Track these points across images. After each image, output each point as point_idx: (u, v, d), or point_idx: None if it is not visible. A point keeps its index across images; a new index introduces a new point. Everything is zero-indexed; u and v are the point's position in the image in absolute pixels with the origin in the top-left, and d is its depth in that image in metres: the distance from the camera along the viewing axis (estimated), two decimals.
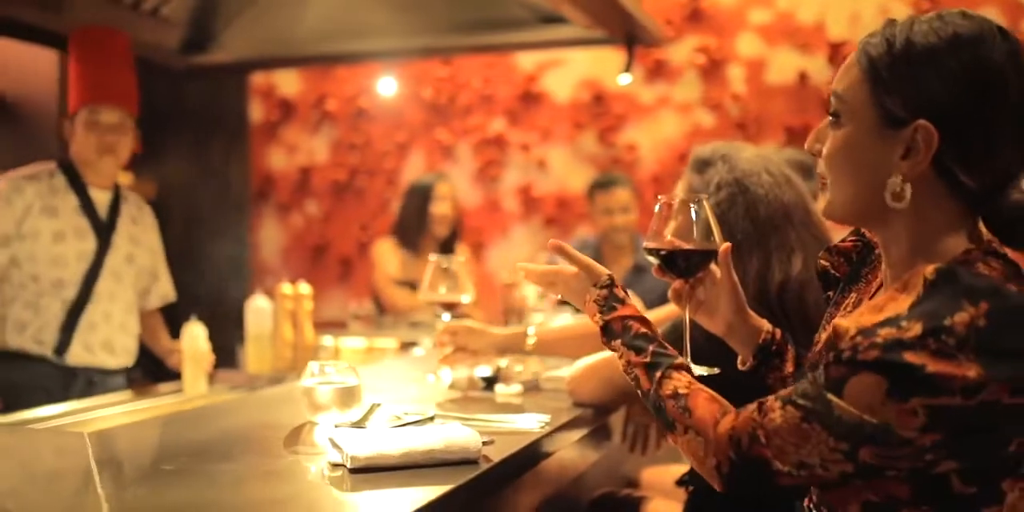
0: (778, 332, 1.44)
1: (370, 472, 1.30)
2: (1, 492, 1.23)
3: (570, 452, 1.90)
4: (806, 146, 1.17)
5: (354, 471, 1.29)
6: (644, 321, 1.26)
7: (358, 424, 1.60)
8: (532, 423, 1.64)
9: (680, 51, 4.16)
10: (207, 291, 4.08)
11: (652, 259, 1.40)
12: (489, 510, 1.50)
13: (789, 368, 1.42)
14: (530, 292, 3.08)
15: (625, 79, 3.43)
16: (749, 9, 4.11)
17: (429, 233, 3.84)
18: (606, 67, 3.63)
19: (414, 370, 2.27)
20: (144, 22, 3.29)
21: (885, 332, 0.97)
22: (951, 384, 0.93)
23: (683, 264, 1.39)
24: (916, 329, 0.95)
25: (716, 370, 1.50)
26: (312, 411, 1.61)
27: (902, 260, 1.13)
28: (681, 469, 2.11)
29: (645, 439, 2.19)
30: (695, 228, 1.39)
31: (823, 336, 1.13)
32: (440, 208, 3.87)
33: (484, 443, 1.41)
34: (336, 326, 3.75)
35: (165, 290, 2.95)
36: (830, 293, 1.36)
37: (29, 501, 1.19)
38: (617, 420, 2.15)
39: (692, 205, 1.40)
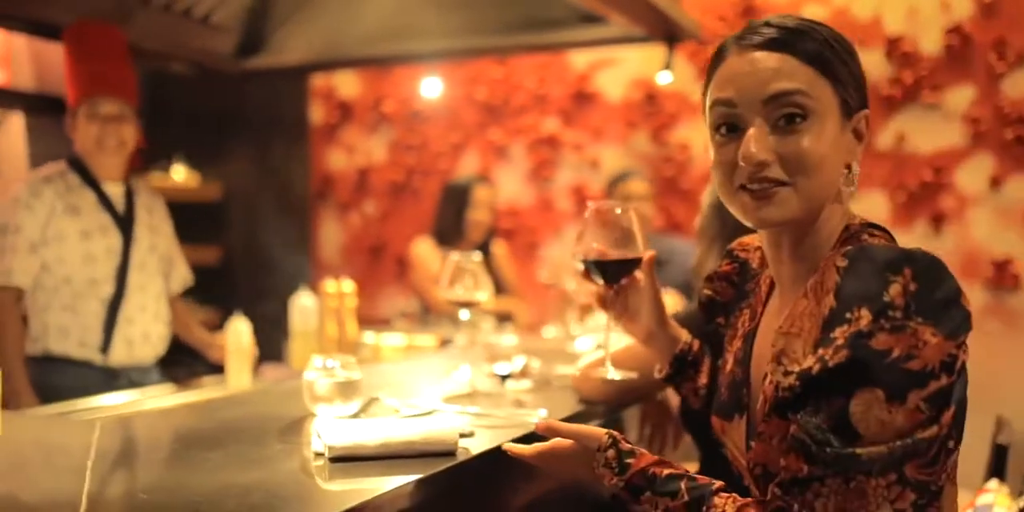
0: (696, 343, 1.49)
1: (349, 461, 1.34)
2: None
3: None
4: (756, 158, 1.10)
5: (333, 460, 1.34)
6: (662, 463, 1.18)
7: (353, 416, 1.65)
8: (527, 418, 1.66)
9: None
10: (268, 288, 4.19)
11: (578, 265, 1.44)
12: (474, 503, 1.53)
13: (703, 380, 1.47)
14: (573, 292, 3.09)
15: (665, 77, 3.42)
16: (804, 5, 4.05)
17: (466, 236, 3.86)
18: (658, 66, 3.61)
19: (442, 366, 2.30)
20: (198, 29, 3.41)
21: (840, 331, 0.99)
22: (919, 355, 0.96)
23: (608, 271, 1.43)
24: (866, 316, 0.98)
25: (634, 375, 1.54)
26: (312, 403, 1.65)
27: (802, 249, 1.17)
28: (693, 468, 2.10)
29: (663, 438, 2.19)
30: (621, 236, 1.42)
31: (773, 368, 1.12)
32: (477, 214, 3.88)
33: (462, 435, 1.44)
34: (383, 323, 3.83)
35: (183, 274, 3.01)
36: (719, 320, 1.38)
37: (15, 483, 1.26)
38: (633, 419, 2.15)
39: (620, 213, 1.44)
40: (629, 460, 1.17)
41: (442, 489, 1.32)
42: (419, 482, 1.26)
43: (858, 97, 1.15)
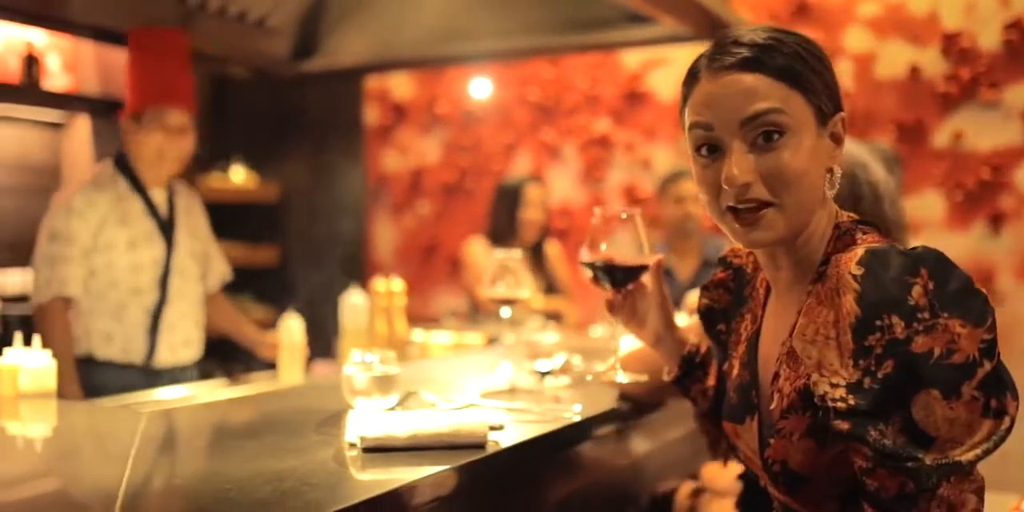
0: (703, 346, 1.50)
1: (381, 452, 1.38)
2: (45, 459, 1.36)
3: (612, 445, 1.93)
4: (739, 181, 1.12)
5: (366, 450, 1.38)
6: None
7: (391, 410, 1.69)
8: (561, 413, 1.69)
9: None
10: (324, 287, 4.27)
11: (587, 271, 1.46)
12: (507, 497, 1.56)
13: (711, 381, 1.48)
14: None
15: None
16: (858, 2, 4.00)
17: (519, 236, 3.89)
18: None
19: (485, 363, 2.33)
20: (254, 33, 3.49)
21: (874, 339, 1.02)
22: (958, 348, 0.99)
23: (617, 276, 1.45)
24: (898, 322, 1.00)
25: (643, 378, 1.56)
26: (351, 397, 1.70)
27: (793, 254, 1.19)
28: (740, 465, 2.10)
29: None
30: (628, 242, 1.43)
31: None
32: (529, 213, 3.90)
33: (492, 428, 1.47)
34: (433, 322, 3.87)
35: (221, 270, 3.02)
36: (720, 327, 1.39)
37: (65, 466, 1.32)
38: (664, 421, 2.15)
39: (627, 219, 1.45)
40: None
41: (471, 481, 1.35)
42: (446, 473, 1.29)
43: (832, 103, 1.16)
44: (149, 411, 1.68)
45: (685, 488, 2.10)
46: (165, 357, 2.75)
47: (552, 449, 1.60)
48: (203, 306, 2.92)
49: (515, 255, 2.16)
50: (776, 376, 1.16)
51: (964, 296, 1.02)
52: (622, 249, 1.47)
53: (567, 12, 3.51)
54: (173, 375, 2.79)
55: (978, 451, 1.00)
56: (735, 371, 1.31)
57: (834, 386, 1.04)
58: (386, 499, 1.18)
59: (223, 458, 1.34)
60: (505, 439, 1.47)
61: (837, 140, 1.17)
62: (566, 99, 4.67)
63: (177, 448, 1.45)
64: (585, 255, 1.48)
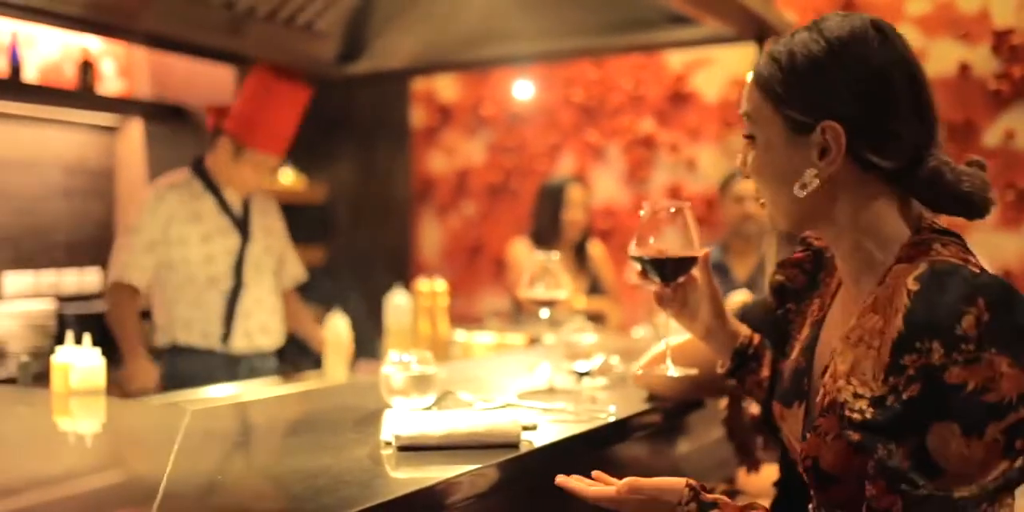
0: (756, 337, 1.49)
1: (415, 451, 1.40)
2: (91, 454, 1.41)
3: (648, 446, 1.94)
4: (740, 167, 1.23)
5: (400, 449, 1.40)
6: (748, 507, 1.21)
7: (427, 409, 1.71)
8: (596, 414, 1.70)
9: None
10: (370, 288, 4.32)
11: (636, 265, 1.46)
12: (540, 497, 1.57)
13: (765, 372, 1.47)
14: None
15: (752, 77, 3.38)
16: (907, 0, 3.95)
17: (562, 236, 3.90)
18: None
19: (525, 363, 2.35)
20: (302, 36, 3.54)
21: (909, 360, 1.00)
22: (996, 387, 0.96)
23: (666, 270, 1.45)
24: (937, 349, 0.98)
25: (694, 371, 1.55)
26: (389, 396, 1.73)
27: (853, 250, 1.18)
28: (776, 469, 2.09)
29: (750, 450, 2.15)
30: (678, 235, 1.43)
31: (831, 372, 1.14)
32: (572, 214, 3.92)
33: (526, 428, 1.48)
34: (477, 322, 3.90)
35: (295, 271, 3.24)
36: (790, 306, 1.39)
37: (110, 461, 1.36)
38: (699, 421, 2.15)
39: (676, 212, 1.45)
40: (714, 511, 1.18)
41: (504, 480, 1.37)
42: (479, 472, 1.32)
43: (817, 112, 1.13)
44: (193, 408, 1.72)
45: (719, 490, 2.10)
46: (241, 342, 2.95)
47: (586, 449, 1.61)
48: (279, 298, 3.13)
49: (554, 257, 2.18)
50: (826, 369, 1.16)
51: (1021, 336, 0.98)
52: (671, 243, 1.47)
53: (610, 13, 3.51)
54: (251, 362, 2.98)
55: (974, 489, 0.97)
56: (794, 354, 1.32)
57: (857, 396, 1.04)
58: (418, 497, 1.21)
59: (261, 455, 1.37)
60: (539, 439, 1.48)
61: (824, 149, 1.14)
62: (610, 100, 4.67)
63: (218, 445, 1.49)
64: (634, 249, 1.48)
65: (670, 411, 1.87)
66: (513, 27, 3.71)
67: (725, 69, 4.36)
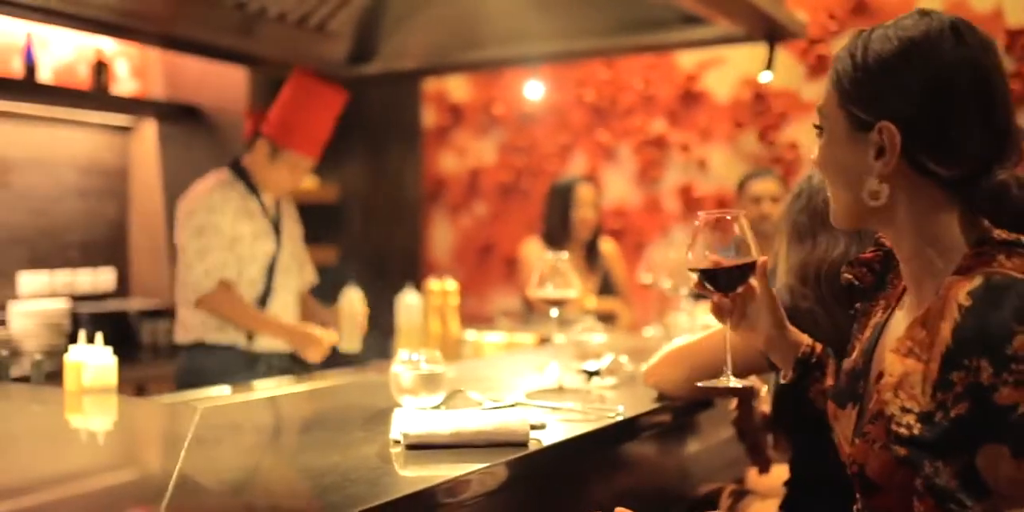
0: (818, 346, 1.46)
1: (423, 449, 1.41)
2: (102, 452, 1.42)
3: (656, 445, 1.94)
4: (813, 159, 1.24)
5: (409, 447, 1.41)
6: None
7: (436, 408, 1.72)
8: (604, 413, 1.70)
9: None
10: (382, 288, 4.33)
11: (692, 276, 1.43)
12: (550, 495, 1.58)
13: (830, 381, 1.43)
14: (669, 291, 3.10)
15: (766, 77, 3.38)
16: None
17: (573, 236, 3.91)
18: (765, 65, 3.57)
19: (534, 362, 2.35)
20: (314, 37, 3.56)
21: (958, 376, 0.99)
22: None
23: (723, 280, 1.42)
24: (986, 368, 0.97)
25: (754, 382, 1.51)
26: (398, 394, 1.74)
27: (914, 255, 1.17)
28: (787, 469, 2.09)
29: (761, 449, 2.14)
30: (734, 244, 1.40)
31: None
32: (582, 213, 3.93)
33: (534, 427, 1.49)
34: (488, 321, 3.91)
35: (311, 276, 3.30)
36: (857, 305, 1.37)
37: (121, 460, 1.37)
38: (709, 422, 2.15)
39: (730, 220, 1.43)
40: None
41: (512, 478, 1.37)
42: (487, 470, 1.32)
43: (872, 111, 1.13)
44: (204, 406, 1.73)
45: (728, 489, 2.10)
46: (265, 342, 3.00)
47: (594, 448, 1.62)
48: (298, 301, 3.19)
49: (563, 256, 2.18)
50: (881, 375, 1.14)
51: None
52: (727, 252, 1.44)
53: (620, 13, 3.51)
54: (270, 360, 3.01)
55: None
56: (854, 354, 1.30)
57: (905, 411, 1.03)
58: (426, 495, 1.21)
59: (270, 452, 1.38)
60: (547, 438, 1.49)
61: (879, 151, 1.13)
62: (621, 100, 4.67)
63: (227, 443, 1.50)
64: (689, 260, 1.45)
65: (679, 410, 1.87)
66: (525, 27, 3.71)
67: (736, 69, 4.35)
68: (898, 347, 1.08)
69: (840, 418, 1.27)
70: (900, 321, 1.23)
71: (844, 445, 1.25)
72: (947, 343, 0.99)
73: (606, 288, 3.98)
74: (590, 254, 3.98)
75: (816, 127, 1.22)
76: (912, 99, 1.10)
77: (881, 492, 1.11)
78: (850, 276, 1.37)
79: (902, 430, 1.03)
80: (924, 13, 1.15)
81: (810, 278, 1.70)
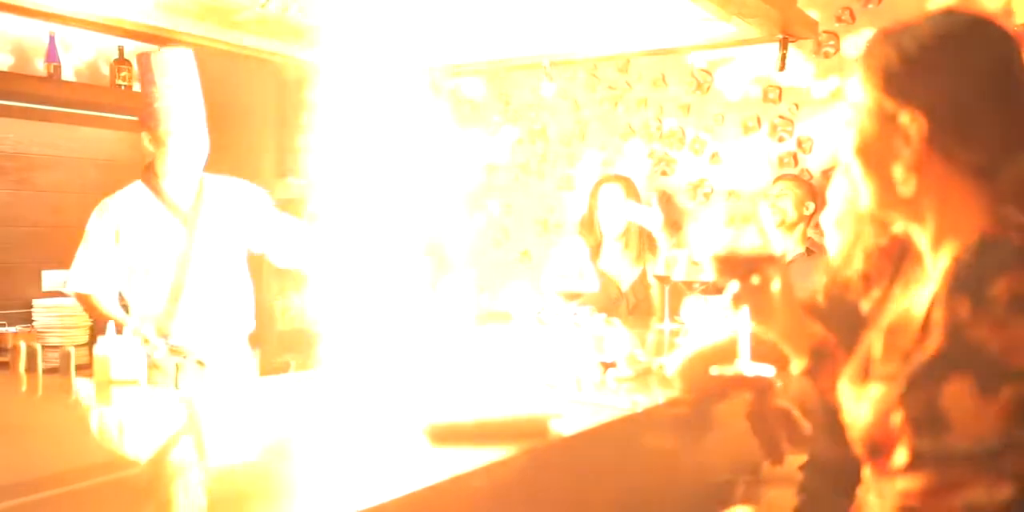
0: (832, 337, 1.48)
1: (446, 438, 1.45)
2: (124, 440, 1.47)
3: (672, 436, 1.98)
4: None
5: (432, 437, 1.45)
6: None
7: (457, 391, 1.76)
8: (621, 404, 1.74)
9: (856, 43, 4.06)
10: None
11: (712, 263, 1.46)
12: (570, 482, 1.62)
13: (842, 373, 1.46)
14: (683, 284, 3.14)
15: (778, 78, 3.41)
16: None
17: (592, 232, 3.96)
18: (777, 62, 3.60)
19: (554, 354, 2.38)
20: None
21: (939, 314, 1.06)
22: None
23: (741, 268, 1.44)
24: (966, 307, 1.04)
25: (769, 369, 1.54)
26: None
27: (936, 243, 1.21)
28: (802, 458, 2.13)
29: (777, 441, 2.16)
30: (751, 233, 1.43)
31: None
32: (601, 209, 3.98)
33: (553, 417, 1.53)
34: (505, 315, 3.95)
35: (280, 259, 3.22)
36: (874, 293, 1.40)
37: (141, 447, 1.42)
38: (734, 408, 2.18)
39: (748, 209, 1.45)
40: None
41: (532, 467, 1.42)
42: (507, 459, 1.36)
43: (902, 99, 1.18)
44: (227, 395, 1.78)
45: (743, 480, 2.14)
46: (192, 335, 2.96)
47: (611, 438, 1.66)
48: (236, 289, 3.10)
49: (581, 250, 2.22)
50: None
51: None
52: (745, 242, 1.47)
53: (634, 12, 3.53)
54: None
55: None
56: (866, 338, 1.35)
57: (893, 350, 1.14)
58: (448, 484, 1.25)
59: (292, 439, 1.43)
60: (566, 428, 1.53)
61: (907, 137, 1.18)
62: (633, 96, 4.70)
63: (249, 430, 1.55)
64: (708, 249, 1.48)
65: (694, 403, 1.91)
66: (538, 24, 3.73)
67: (748, 66, 4.38)
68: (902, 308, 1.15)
69: (853, 396, 1.30)
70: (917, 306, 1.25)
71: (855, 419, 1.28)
72: (936, 288, 1.08)
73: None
74: (609, 250, 4.05)
75: (853, 114, 1.25)
76: (942, 90, 1.16)
77: (884, 454, 1.15)
78: (867, 266, 1.41)
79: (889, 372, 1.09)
80: (950, 12, 1.21)
81: None
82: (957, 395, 1.01)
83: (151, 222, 2.99)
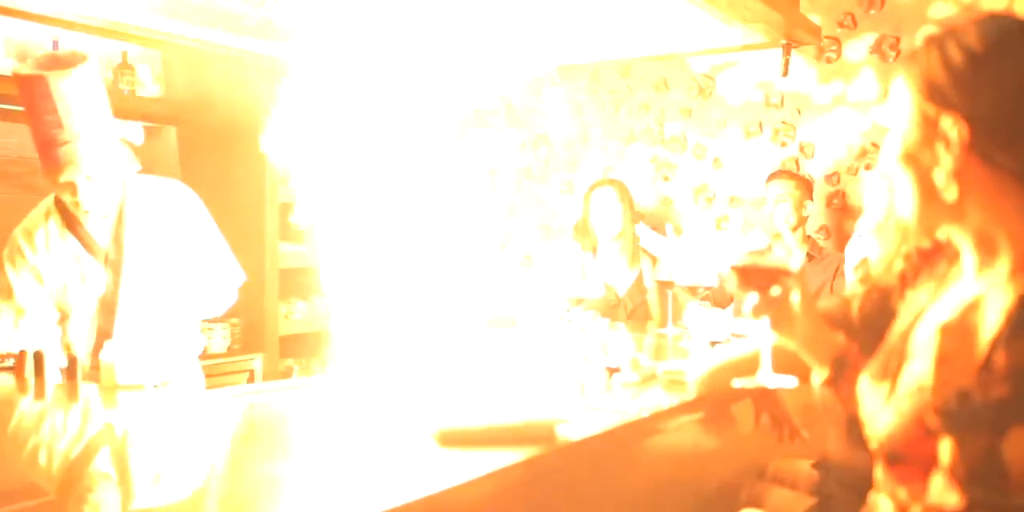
0: (854, 345, 1.48)
1: (455, 443, 1.45)
2: (131, 444, 1.47)
3: (679, 440, 1.98)
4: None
5: (440, 442, 1.46)
6: None
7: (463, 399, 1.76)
8: (628, 408, 1.75)
9: (858, 48, 4.07)
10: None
11: (732, 275, 1.46)
12: (580, 487, 1.62)
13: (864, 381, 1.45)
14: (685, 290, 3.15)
15: (782, 84, 3.42)
16: (932, 1, 3.96)
17: (593, 237, 3.96)
18: (780, 67, 3.61)
19: (560, 358, 2.39)
20: None
21: (1001, 358, 1.05)
22: None
23: (762, 279, 1.44)
24: None
25: (791, 380, 1.53)
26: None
27: (978, 247, 1.21)
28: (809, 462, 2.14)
29: (787, 425, 2.16)
30: (769, 241, 1.44)
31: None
32: (601, 214, 3.98)
33: (561, 423, 1.53)
34: (510, 319, 3.95)
35: (218, 298, 2.87)
36: (908, 293, 1.40)
37: (148, 451, 1.42)
38: (740, 411, 2.19)
39: (769, 219, 1.45)
40: None
41: (540, 472, 1.42)
42: (516, 464, 1.37)
43: (944, 104, 1.18)
44: (235, 401, 1.78)
45: (751, 480, 2.14)
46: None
47: (619, 443, 1.66)
48: (168, 323, 2.66)
49: (586, 256, 2.22)
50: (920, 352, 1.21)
51: None
52: (765, 252, 1.47)
53: (637, 17, 3.54)
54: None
55: None
56: (894, 338, 1.34)
57: (944, 384, 1.11)
58: (456, 490, 1.26)
59: (299, 445, 1.43)
60: (574, 433, 1.53)
61: (948, 142, 1.17)
62: (635, 100, 4.71)
63: (260, 435, 1.55)
64: (728, 258, 1.48)
65: (700, 407, 1.91)
66: (538, 28, 3.74)
67: (750, 71, 4.39)
68: (948, 325, 1.13)
69: (872, 392, 1.30)
70: (944, 303, 1.26)
71: (873, 418, 1.28)
72: (998, 327, 1.05)
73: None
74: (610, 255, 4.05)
75: (893, 118, 1.24)
76: (984, 96, 1.16)
77: (904, 462, 1.15)
78: (905, 267, 1.41)
79: (938, 402, 1.07)
80: (996, 16, 1.20)
81: None
82: (1019, 447, 1.00)
83: (63, 262, 2.58)
